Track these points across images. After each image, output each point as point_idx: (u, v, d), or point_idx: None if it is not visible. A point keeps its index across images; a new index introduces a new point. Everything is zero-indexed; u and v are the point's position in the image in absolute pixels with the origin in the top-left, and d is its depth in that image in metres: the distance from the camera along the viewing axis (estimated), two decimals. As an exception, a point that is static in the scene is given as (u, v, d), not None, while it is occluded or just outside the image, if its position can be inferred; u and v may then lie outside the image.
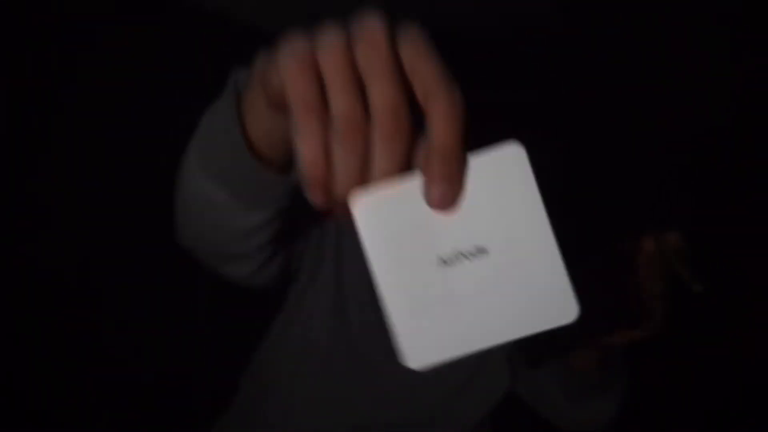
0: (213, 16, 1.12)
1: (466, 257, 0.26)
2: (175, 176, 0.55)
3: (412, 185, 0.26)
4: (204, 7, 1.09)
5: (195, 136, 0.52)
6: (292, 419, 0.98)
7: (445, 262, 0.26)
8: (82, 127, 1.28)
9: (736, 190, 1.17)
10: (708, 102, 1.82)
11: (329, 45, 0.28)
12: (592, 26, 1.37)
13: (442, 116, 0.25)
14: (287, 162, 0.44)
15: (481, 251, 0.26)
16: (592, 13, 1.27)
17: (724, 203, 1.25)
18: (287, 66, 0.28)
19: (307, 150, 0.26)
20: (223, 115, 0.46)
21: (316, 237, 0.80)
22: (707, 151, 2.00)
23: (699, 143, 2.07)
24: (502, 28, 1.44)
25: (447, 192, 0.25)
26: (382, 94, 0.26)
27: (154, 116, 1.49)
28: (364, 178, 0.26)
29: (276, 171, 0.44)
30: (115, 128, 1.36)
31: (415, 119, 0.27)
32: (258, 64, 0.38)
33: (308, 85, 0.27)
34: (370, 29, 0.28)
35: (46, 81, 1.18)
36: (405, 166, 0.26)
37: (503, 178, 0.26)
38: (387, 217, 0.26)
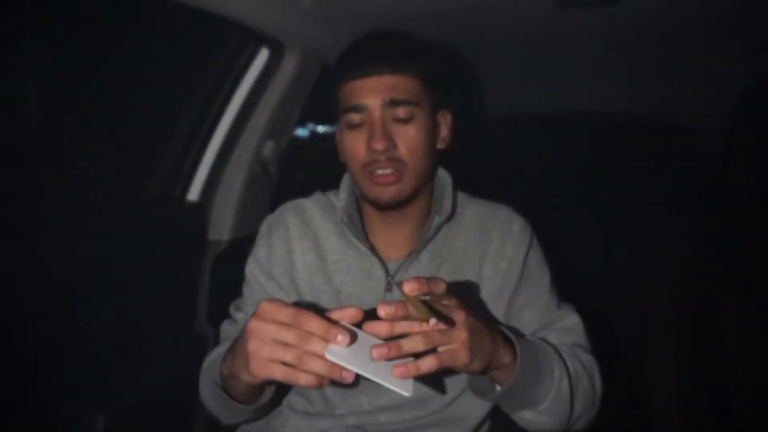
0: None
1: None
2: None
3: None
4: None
5: (201, 379, 0.96)
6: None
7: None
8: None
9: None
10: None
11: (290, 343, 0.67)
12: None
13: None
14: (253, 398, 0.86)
15: None
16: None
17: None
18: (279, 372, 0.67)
19: (304, 382, 0.66)
20: (214, 387, 0.88)
21: None
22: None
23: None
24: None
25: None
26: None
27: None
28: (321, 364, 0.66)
29: (245, 402, 0.86)
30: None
31: None
32: (244, 376, 0.72)
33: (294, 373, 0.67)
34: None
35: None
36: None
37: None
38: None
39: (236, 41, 1.41)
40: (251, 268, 1.03)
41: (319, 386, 0.67)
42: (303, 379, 0.66)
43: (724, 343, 1.11)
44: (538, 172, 2.38)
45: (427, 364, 0.67)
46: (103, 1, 1.19)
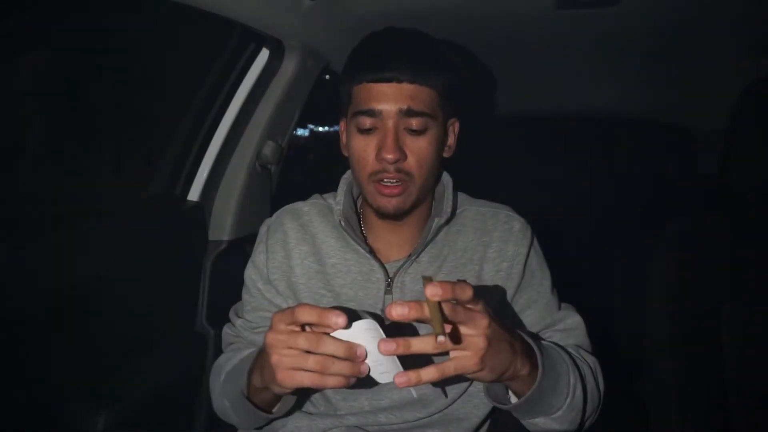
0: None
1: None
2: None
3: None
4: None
5: (216, 389, 0.97)
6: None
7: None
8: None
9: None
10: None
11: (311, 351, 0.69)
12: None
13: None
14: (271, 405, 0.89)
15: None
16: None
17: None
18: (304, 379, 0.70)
19: (333, 384, 0.70)
20: (239, 399, 0.88)
21: None
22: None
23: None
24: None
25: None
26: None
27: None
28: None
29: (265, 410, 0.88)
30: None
31: None
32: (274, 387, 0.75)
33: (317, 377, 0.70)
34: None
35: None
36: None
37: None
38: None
39: (236, 41, 1.41)
40: (249, 274, 1.03)
41: (347, 385, 0.70)
42: (331, 382, 0.69)
43: (724, 343, 1.10)
44: (538, 172, 2.38)
45: (429, 374, 0.65)
46: (104, 1, 1.19)
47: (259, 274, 1.02)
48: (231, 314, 1.07)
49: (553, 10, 1.24)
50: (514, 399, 0.84)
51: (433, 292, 0.62)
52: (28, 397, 0.98)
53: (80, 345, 1.09)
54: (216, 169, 1.47)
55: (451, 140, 1.00)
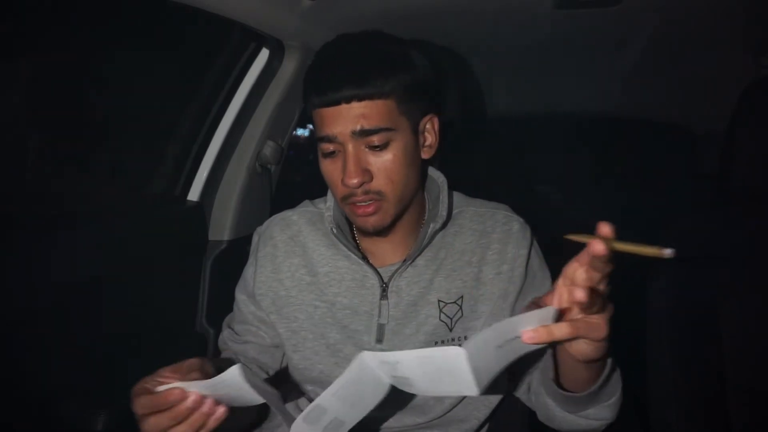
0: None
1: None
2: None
3: None
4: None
5: None
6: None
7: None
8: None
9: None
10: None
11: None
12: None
13: None
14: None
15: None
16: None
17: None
18: None
19: None
20: None
21: None
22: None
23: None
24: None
25: None
26: None
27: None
28: None
29: None
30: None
31: None
32: None
33: None
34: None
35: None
36: None
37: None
38: None
39: (236, 41, 1.41)
40: (238, 287, 1.04)
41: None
42: None
43: (724, 343, 1.10)
44: (537, 172, 2.39)
45: (561, 330, 0.62)
46: (103, 1, 1.19)
47: (245, 288, 1.01)
48: (224, 324, 1.07)
49: (552, 9, 1.24)
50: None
51: (606, 230, 0.63)
52: (28, 397, 0.99)
53: (80, 345, 1.09)
54: (216, 169, 1.48)
55: (431, 139, 0.94)
